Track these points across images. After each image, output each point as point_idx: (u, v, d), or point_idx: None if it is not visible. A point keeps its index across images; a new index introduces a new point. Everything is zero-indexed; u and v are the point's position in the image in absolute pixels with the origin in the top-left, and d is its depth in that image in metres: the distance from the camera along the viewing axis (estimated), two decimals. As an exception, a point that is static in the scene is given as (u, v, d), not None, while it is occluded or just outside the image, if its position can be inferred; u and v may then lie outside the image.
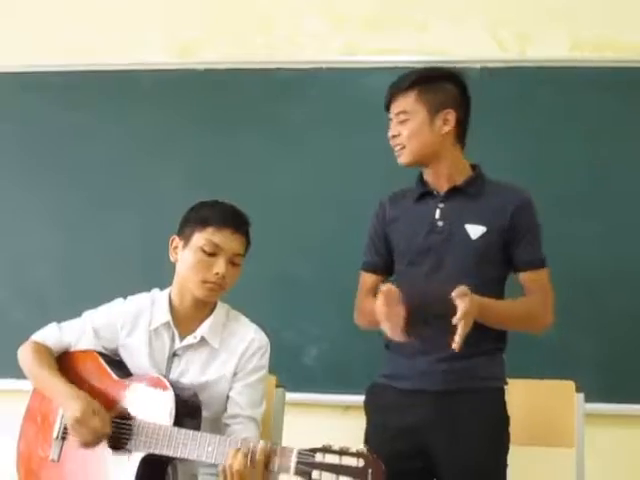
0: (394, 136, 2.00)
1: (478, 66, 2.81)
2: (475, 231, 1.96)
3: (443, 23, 2.91)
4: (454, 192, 2.01)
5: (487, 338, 1.95)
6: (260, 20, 3.03)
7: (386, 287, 1.82)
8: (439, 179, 2.03)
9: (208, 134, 2.94)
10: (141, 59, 3.01)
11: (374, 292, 2.02)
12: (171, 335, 1.95)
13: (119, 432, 1.81)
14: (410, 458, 1.90)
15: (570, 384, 2.28)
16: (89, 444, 1.79)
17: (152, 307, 1.98)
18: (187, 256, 1.93)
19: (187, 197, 2.52)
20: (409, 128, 1.98)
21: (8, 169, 3.04)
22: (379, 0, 2.98)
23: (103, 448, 1.81)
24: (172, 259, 1.99)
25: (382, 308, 1.80)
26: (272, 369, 2.05)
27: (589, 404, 2.29)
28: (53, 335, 1.99)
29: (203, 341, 1.94)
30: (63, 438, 1.88)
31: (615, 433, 2.61)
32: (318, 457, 1.56)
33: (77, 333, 1.98)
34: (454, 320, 1.77)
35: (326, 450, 1.56)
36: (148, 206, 2.90)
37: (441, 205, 2.01)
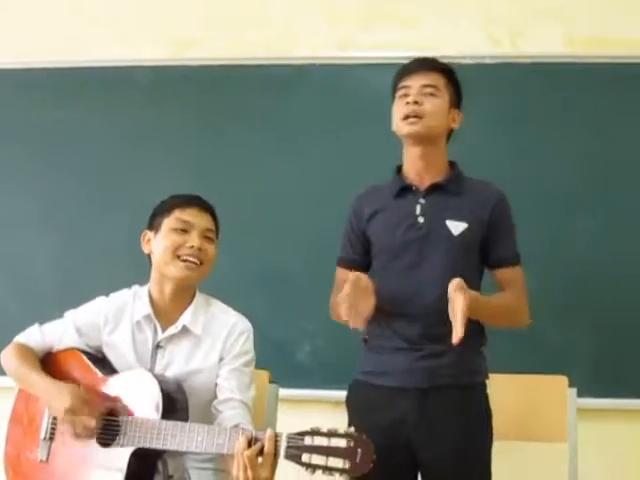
0: (416, 103, 1.96)
1: (471, 61, 2.81)
2: (457, 227, 1.97)
3: (437, 18, 2.90)
4: (435, 188, 2.01)
5: (468, 333, 1.93)
6: (254, 16, 3.02)
7: (355, 274, 1.85)
8: (424, 169, 2.02)
9: (202, 131, 2.94)
10: (134, 56, 3.00)
11: None
12: (153, 327, 1.96)
13: (107, 429, 1.81)
14: (395, 453, 1.89)
15: (563, 379, 2.28)
16: (80, 435, 1.80)
17: (134, 302, 1.99)
18: (159, 241, 1.96)
19: (182, 192, 2.51)
20: (435, 104, 1.98)
21: (1, 167, 3.02)
22: (373, -5, 2.99)
23: (92, 446, 1.81)
24: (146, 251, 2.01)
25: (347, 293, 1.81)
26: (265, 365, 2.05)
27: (582, 399, 2.29)
28: (35, 337, 2.00)
29: (185, 330, 1.95)
30: (51, 439, 1.88)
31: (608, 428, 2.61)
32: (307, 440, 1.57)
33: (59, 333, 1.99)
34: (453, 313, 1.79)
35: (315, 433, 1.57)
36: (141, 203, 2.85)
37: (422, 201, 2.01)
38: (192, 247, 1.91)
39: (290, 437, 1.60)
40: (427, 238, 1.97)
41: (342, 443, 1.55)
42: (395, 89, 2.05)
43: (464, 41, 2.86)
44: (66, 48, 3.04)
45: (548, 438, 2.29)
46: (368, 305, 1.85)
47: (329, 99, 2.88)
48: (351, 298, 1.82)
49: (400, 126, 1.99)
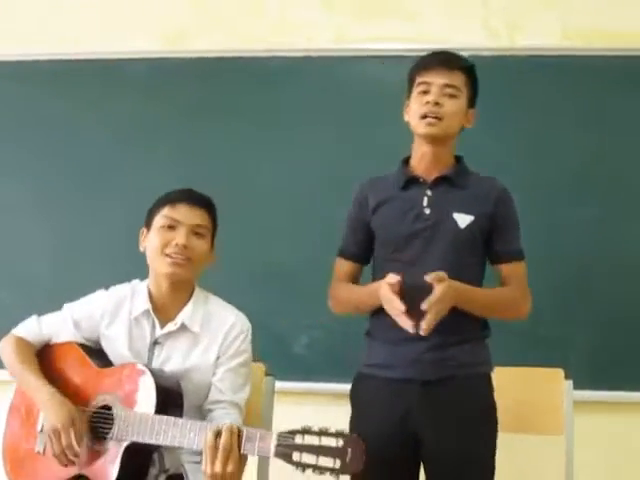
0: (437, 104, 1.93)
1: (468, 54, 2.79)
2: (463, 220, 1.96)
3: (434, 11, 2.90)
4: (441, 181, 2.00)
5: (472, 325, 1.97)
6: (251, 8, 3.01)
7: (393, 278, 1.84)
8: (433, 164, 2.00)
9: (198, 123, 2.93)
10: (131, 47, 2.99)
11: (350, 279, 2.07)
12: (151, 323, 1.95)
13: (101, 422, 1.81)
14: (399, 445, 1.90)
15: (559, 371, 2.29)
16: (58, 458, 1.78)
17: (132, 296, 1.99)
18: (150, 238, 1.95)
19: (176, 186, 2.49)
20: (455, 105, 1.95)
21: (-4, 158, 3.02)
22: (370, -12, 2.98)
23: (86, 438, 1.81)
24: (141, 249, 2.00)
25: (395, 300, 1.82)
26: (262, 357, 2.05)
27: (578, 391, 2.30)
28: (33, 329, 1.99)
29: (184, 327, 1.94)
30: None
31: (604, 420, 2.62)
32: (298, 439, 1.56)
33: (57, 326, 1.99)
34: (424, 305, 1.80)
35: (305, 431, 1.57)
36: (137, 195, 2.86)
37: (429, 193, 1.99)
38: (177, 245, 1.90)
39: (280, 435, 1.59)
40: (434, 229, 1.96)
41: (333, 442, 1.54)
42: (412, 81, 2.01)
43: (461, 34, 2.85)
44: (59, 40, 3.03)
45: (544, 431, 2.30)
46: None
47: (325, 91, 2.87)
48: (401, 305, 1.83)
49: (418, 124, 1.96)
